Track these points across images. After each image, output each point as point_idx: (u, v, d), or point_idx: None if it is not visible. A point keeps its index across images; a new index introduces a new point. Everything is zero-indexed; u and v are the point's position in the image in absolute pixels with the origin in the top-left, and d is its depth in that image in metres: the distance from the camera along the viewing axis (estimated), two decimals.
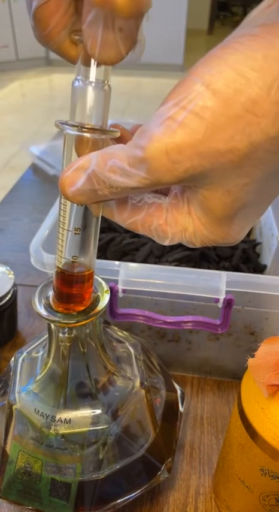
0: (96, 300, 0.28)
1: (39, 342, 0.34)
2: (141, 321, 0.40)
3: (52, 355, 0.29)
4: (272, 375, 0.26)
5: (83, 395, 0.30)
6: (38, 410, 0.30)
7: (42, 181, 0.92)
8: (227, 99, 0.15)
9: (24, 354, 0.33)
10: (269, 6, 0.16)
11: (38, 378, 0.31)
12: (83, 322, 0.26)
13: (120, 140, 0.22)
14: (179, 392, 0.38)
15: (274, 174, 0.17)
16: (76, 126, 0.20)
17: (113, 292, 0.38)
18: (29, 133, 2.39)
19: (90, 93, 0.20)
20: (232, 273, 0.38)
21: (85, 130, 0.20)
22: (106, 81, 0.20)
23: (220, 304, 0.38)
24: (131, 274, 0.38)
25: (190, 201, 0.20)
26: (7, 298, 0.49)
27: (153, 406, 0.33)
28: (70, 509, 0.30)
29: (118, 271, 0.38)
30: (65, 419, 0.29)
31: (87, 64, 0.19)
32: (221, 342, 0.44)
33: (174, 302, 0.41)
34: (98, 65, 0.19)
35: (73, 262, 0.25)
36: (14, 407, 0.30)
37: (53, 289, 0.27)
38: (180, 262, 0.49)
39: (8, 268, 0.52)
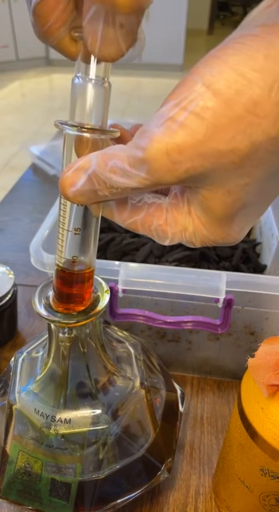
0: (96, 300, 0.28)
1: (39, 342, 0.34)
2: (141, 321, 0.40)
3: (52, 355, 0.29)
4: (272, 375, 0.26)
5: (83, 395, 0.30)
6: (38, 410, 0.30)
7: (42, 181, 0.92)
8: (228, 99, 0.15)
9: (24, 354, 0.33)
10: (269, 6, 0.16)
11: (38, 378, 0.31)
12: (83, 322, 0.26)
13: (120, 140, 0.22)
14: (179, 392, 0.38)
15: (274, 174, 0.17)
16: (76, 126, 0.20)
17: (113, 292, 0.38)
18: (29, 133, 2.39)
19: (90, 90, 0.20)
20: (232, 273, 0.38)
21: (85, 130, 0.20)
22: (106, 78, 0.20)
23: (220, 304, 0.38)
24: (131, 274, 0.38)
25: (190, 201, 0.20)
26: (7, 298, 0.49)
27: (153, 406, 0.33)
28: (70, 509, 0.30)
29: (118, 271, 0.38)
30: (65, 419, 0.29)
31: (87, 61, 0.19)
32: (221, 342, 0.44)
33: (174, 302, 0.41)
34: (98, 61, 0.19)
35: (73, 262, 0.25)
36: (14, 407, 0.30)
37: (53, 289, 0.27)
38: (180, 262, 0.49)
39: (8, 268, 0.52)
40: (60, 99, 3.01)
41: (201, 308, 0.41)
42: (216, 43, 0.17)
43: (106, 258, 0.51)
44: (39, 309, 0.27)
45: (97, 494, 0.30)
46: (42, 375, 0.31)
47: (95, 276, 0.28)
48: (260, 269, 0.51)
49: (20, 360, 0.33)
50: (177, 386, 0.38)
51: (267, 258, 0.51)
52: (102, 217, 0.23)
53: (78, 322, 0.26)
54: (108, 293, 0.28)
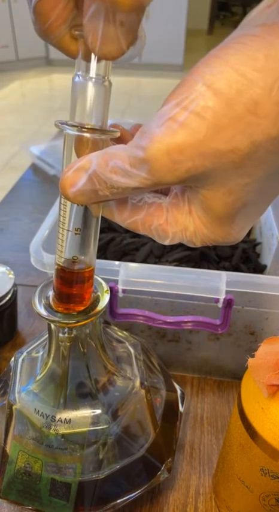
0: (96, 300, 0.28)
1: (39, 342, 0.34)
2: (141, 321, 0.40)
3: (52, 355, 0.29)
4: (272, 375, 0.26)
5: (83, 395, 0.30)
6: (38, 410, 0.30)
7: (42, 181, 0.92)
8: (229, 99, 0.15)
9: (24, 354, 0.33)
10: (269, 6, 0.16)
11: (38, 378, 0.31)
12: (83, 322, 0.26)
13: (120, 140, 0.22)
14: (179, 392, 0.38)
15: (274, 173, 0.17)
16: (76, 126, 0.20)
17: (113, 292, 0.38)
18: (29, 133, 2.39)
19: (90, 89, 0.20)
20: (232, 273, 0.38)
21: (85, 130, 0.20)
22: (106, 77, 0.20)
23: (220, 304, 0.38)
24: (131, 274, 0.38)
25: (191, 200, 0.20)
26: (7, 298, 0.49)
27: (153, 406, 0.33)
28: (70, 509, 0.30)
29: (118, 271, 0.38)
30: (65, 419, 0.29)
31: (88, 59, 0.19)
32: (221, 342, 0.44)
33: (174, 302, 0.41)
34: (99, 59, 0.19)
35: (73, 262, 0.25)
36: (14, 407, 0.30)
37: (53, 289, 0.27)
38: (180, 262, 0.49)
39: (8, 268, 0.52)
40: (60, 99, 3.01)
41: (201, 308, 0.41)
42: (216, 43, 0.17)
43: (106, 258, 0.51)
44: (39, 309, 0.27)
45: (97, 494, 0.30)
46: (42, 375, 0.31)
47: (95, 276, 0.28)
48: (260, 269, 0.51)
49: (20, 360, 0.33)
50: (177, 387, 0.38)
51: (267, 258, 0.51)
52: (102, 217, 0.23)
53: (78, 322, 0.26)
54: (108, 293, 0.28)
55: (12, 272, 0.51)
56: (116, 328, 0.36)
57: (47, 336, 0.29)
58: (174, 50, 3.61)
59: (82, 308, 0.27)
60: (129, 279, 0.38)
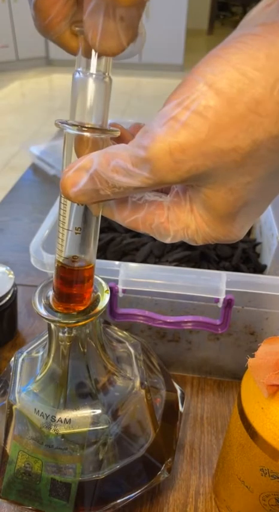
0: (96, 300, 0.28)
1: (39, 342, 0.34)
2: (141, 321, 0.40)
3: (52, 355, 0.29)
4: (272, 375, 0.25)
5: (83, 395, 0.30)
6: (38, 410, 0.30)
7: (42, 181, 0.92)
8: (230, 98, 0.15)
9: (24, 354, 0.33)
10: (268, 5, 0.16)
11: (38, 377, 0.31)
12: (83, 322, 0.26)
13: (120, 140, 0.22)
14: (179, 392, 0.38)
15: (275, 172, 0.18)
16: (76, 126, 0.20)
17: (113, 292, 0.38)
18: (29, 133, 2.39)
19: (91, 85, 0.20)
20: (232, 273, 0.38)
21: (86, 129, 0.20)
22: (107, 73, 0.20)
23: (220, 304, 0.38)
24: (131, 274, 0.38)
25: (192, 199, 0.20)
26: (7, 298, 0.49)
27: (153, 406, 0.33)
28: (70, 509, 0.30)
29: (118, 271, 0.38)
30: (65, 419, 0.29)
31: (88, 55, 0.19)
32: (221, 342, 0.44)
33: (174, 302, 0.41)
34: (99, 55, 0.19)
35: (73, 261, 0.25)
36: (14, 407, 0.30)
37: (53, 289, 0.27)
38: (180, 262, 0.49)
39: (8, 268, 0.52)
40: (60, 99, 3.01)
41: (201, 308, 0.41)
42: (216, 43, 0.17)
43: (106, 258, 0.51)
44: (39, 309, 0.27)
45: (97, 494, 0.30)
46: (42, 374, 0.31)
47: (95, 276, 0.28)
48: (260, 269, 0.51)
49: (20, 360, 0.33)
50: (177, 387, 0.38)
51: (267, 258, 0.51)
52: (102, 216, 0.23)
53: (78, 322, 0.26)
54: (108, 293, 0.28)
55: (12, 272, 0.51)
56: (116, 328, 0.36)
57: (47, 336, 0.29)
58: (174, 50, 3.61)
59: (82, 308, 0.27)
60: (129, 279, 0.38)
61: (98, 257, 0.31)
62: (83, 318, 0.26)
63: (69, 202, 0.23)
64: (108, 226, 0.56)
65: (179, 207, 0.20)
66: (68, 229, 0.23)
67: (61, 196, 0.23)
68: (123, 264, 0.38)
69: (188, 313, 0.41)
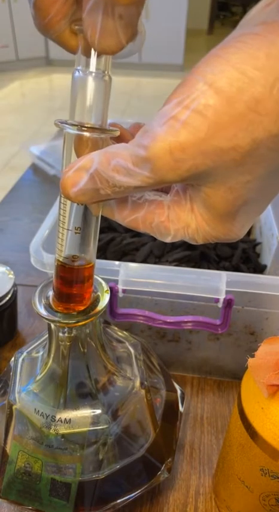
0: (96, 300, 0.28)
1: (39, 342, 0.34)
2: (141, 321, 0.40)
3: (52, 355, 0.29)
4: (272, 375, 0.25)
5: (83, 395, 0.30)
6: (38, 410, 0.30)
7: (42, 181, 0.92)
8: (230, 97, 0.15)
9: (24, 354, 0.33)
10: (268, 5, 0.16)
11: (38, 377, 0.31)
12: (83, 322, 0.26)
13: (119, 139, 0.22)
14: (179, 392, 0.38)
15: (275, 171, 0.18)
16: (76, 125, 0.20)
17: (113, 292, 0.38)
18: (29, 133, 2.39)
19: (90, 83, 0.20)
20: (232, 273, 0.38)
21: (85, 129, 0.20)
22: (106, 72, 0.20)
23: (220, 304, 0.38)
24: (131, 274, 0.38)
25: (193, 198, 0.20)
26: (7, 298, 0.49)
27: (153, 406, 0.33)
28: (70, 509, 0.30)
29: (118, 271, 0.38)
30: (65, 419, 0.29)
31: (87, 54, 0.19)
32: (221, 342, 0.44)
33: (174, 302, 0.41)
34: (98, 54, 0.19)
35: (73, 261, 0.25)
36: (14, 407, 0.30)
37: (53, 289, 0.27)
38: (180, 262, 0.49)
39: (8, 268, 0.52)
40: (60, 99, 3.01)
41: (201, 308, 0.41)
42: (216, 43, 0.17)
43: (106, 258, 0.51)
44: (39, 309, 0.27)
45: (97, 494, 0.30)
46: (42, 374, 0.31)
47: (95, 276, 0.28)
48: (260, 269, 0.51)
49: (20, 360, 0.33)
50: (177, 387, 0.38)
51: (267, 258, 0.51)
52: (102, 216, 0.23)
53: (78, 322, 0.26)
54: (108, 293, 0.28)
55: (12, 272, 0.51)
56: (116, 328, 0.36)
57: (47, 336, 0.29)
58: (174, 50, 3.61)
59: (82, 308, 0.27)
60: (129, 279, 0.38)
61: (98, 257, 0.31)
62: (83, 318, 0.26)
63: (69, 202, 0.23)
64: (108, 226, 0.56)
65: (179, 206, 0.20)
66: (68, 229, 0.23)
67: (61, 196, 0.23)
68: (123, 264, 0.38)
69: (188, 313, 0.41)
